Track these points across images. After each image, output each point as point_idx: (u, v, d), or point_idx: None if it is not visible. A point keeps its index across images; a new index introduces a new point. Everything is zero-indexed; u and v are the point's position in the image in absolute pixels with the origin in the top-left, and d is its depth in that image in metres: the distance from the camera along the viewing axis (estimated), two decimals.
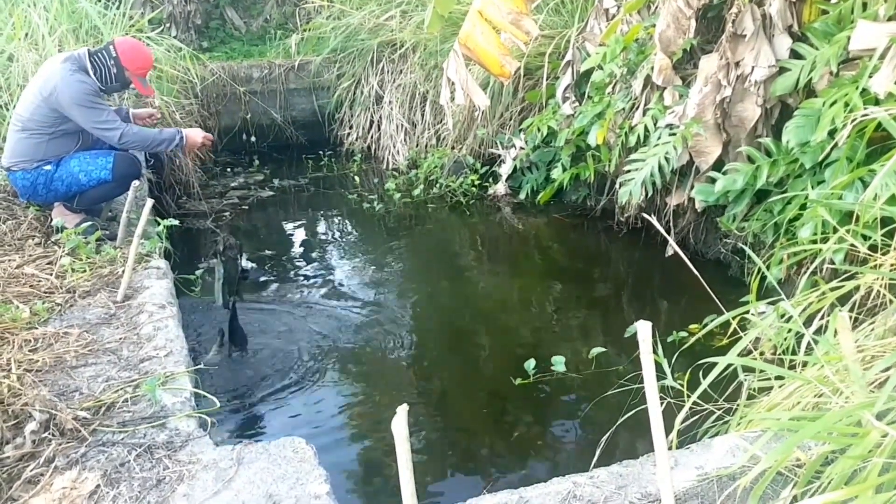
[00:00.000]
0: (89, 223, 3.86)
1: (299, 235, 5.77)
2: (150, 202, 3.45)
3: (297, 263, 5.12)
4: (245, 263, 4.85)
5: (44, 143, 3.81)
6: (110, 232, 3.96)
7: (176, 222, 3.78)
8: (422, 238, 5.68)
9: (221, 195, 6.51)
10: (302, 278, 4.82)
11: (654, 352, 1.88)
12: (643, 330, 1.75)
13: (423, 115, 6.90)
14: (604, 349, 3.56)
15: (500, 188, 5.99)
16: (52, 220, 3.92)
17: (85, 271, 3.41)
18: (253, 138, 7.83)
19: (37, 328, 2.89)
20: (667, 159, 4.14)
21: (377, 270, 4.91)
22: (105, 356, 2.72)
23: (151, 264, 3.54)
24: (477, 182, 6.07)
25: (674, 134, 4.12)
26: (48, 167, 3.85)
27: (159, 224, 3.77)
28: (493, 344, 3.96)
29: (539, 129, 5.42)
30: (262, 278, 4.80)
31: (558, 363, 3.48)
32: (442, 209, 6.02)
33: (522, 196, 5.81)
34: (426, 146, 6.78)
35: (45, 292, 3.21)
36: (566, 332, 4.03)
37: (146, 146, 4.02)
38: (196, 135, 4.22)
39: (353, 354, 3.78)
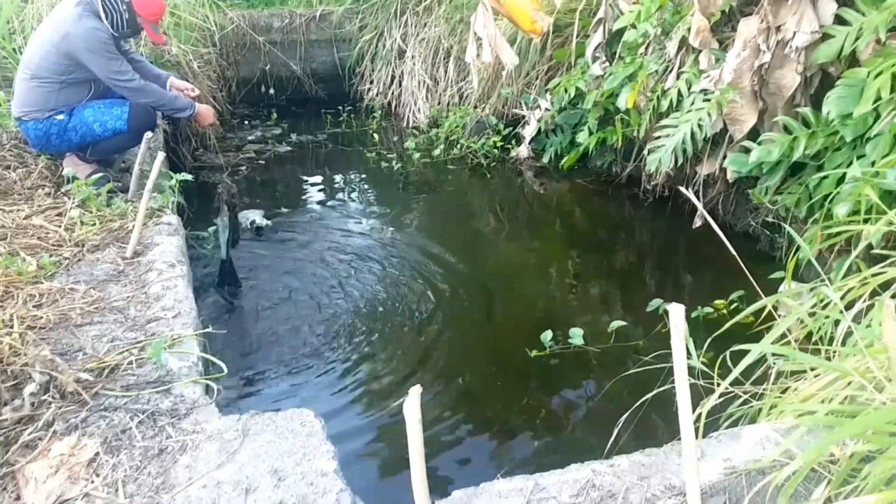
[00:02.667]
0: (101, 174, 3.76)
1: (316, 192, 5.65)
2: (161, 155, 3.32)
3: (313, 221, 5.01)
4: (260, 220, 4.77)
5: (55, 91, 3.69)
6: (122, 184, 3.86)
7: (189, 177, 3.66)
8: (440, 200, 5.54)
9: (238, 148, 6.41)
10: (316, 237, 4.71)
11: None
12: (675, 314, 1.63)
13: (446, 72, 6.71)
14: (624, 323, 3.44)
15: (523, 151, 5.82)
16: (63, 169, 3.83)
17: (94, 224, 3.32)
18: (271, 91, 7.67)
19: (42, 283, 2.80)
20: (700, 126, 3.98)
21: (395, 232, 4.80)
22: (111, 315, 2.63)
23: (163, 220, 3.44)
24: (499, 144, 5.91)
25: (708, 100, 3.95)
26: (61, 117, 3.74)
27: (172, 178, 3.67)
28: (510, 312, 3.85)
29: (566, 90, 5.24)
30: (277, 235, 4.70)
31: (576, 336, 3.38)
32: (462, 171, 5.87)
33: (546, 160, 5.64)
34: (448, 104, 6.61)
35: (53, 245, 3.13)
36: (585, 302, 3.92)
37: (158, 105, 3.89)
38: (208, 113, 4.13)
39: (366, 319, 3.69)
